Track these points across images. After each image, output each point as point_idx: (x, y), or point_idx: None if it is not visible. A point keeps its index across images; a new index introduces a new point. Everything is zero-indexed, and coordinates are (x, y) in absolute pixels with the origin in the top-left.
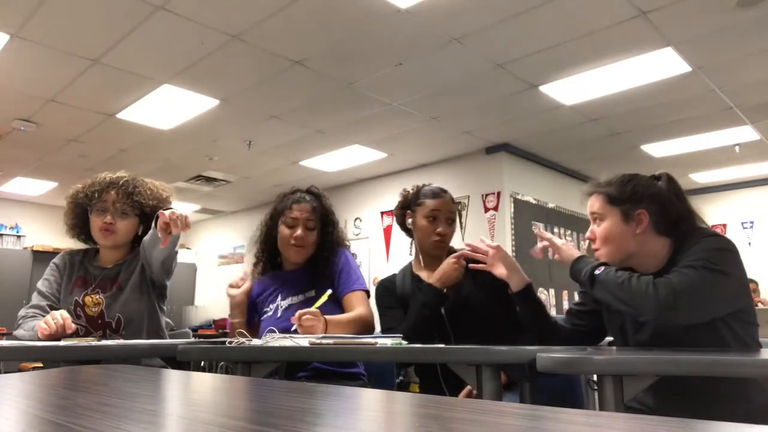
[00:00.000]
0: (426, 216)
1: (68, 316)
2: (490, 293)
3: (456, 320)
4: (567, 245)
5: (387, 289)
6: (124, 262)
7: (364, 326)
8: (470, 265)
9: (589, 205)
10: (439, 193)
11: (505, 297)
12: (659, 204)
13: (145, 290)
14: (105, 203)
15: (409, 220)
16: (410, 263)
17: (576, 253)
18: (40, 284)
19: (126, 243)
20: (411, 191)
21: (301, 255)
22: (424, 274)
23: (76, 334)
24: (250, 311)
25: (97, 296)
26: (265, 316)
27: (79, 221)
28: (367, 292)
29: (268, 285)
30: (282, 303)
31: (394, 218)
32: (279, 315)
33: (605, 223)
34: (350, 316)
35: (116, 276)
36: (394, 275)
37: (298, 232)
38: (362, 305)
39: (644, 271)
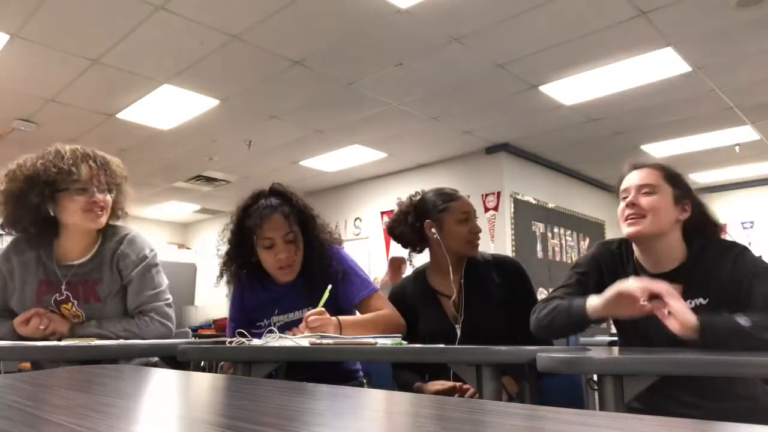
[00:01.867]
0: (458, 220)
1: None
2: (502, 314)
3: (471, 336)
4: (681, 307)
5: (397, 298)
6: (94, 259)
7: (393, 326)
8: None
9: (641, 176)
10: (459, 194)
11: (519, 317)
12: (698, 205)
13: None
14: (85, 180)
15: (433, 230)
16: (423, 271)
17: (692, 315)
18: None
19: None
20: (413, 201)
21: (292, 274)
22: (441, 286)
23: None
24: (246, 321)
25: (74, 308)
26: (258, 331)
27: (30, 207)
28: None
29: (262, 297)
30: (276, 319)
31: (401, 236)
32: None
33: (658, 196)
34: (371, 316)
35: (88, 275)
36: (406, 281)
37: (280, 255)
38: (385, 306)
39: (657, 263)
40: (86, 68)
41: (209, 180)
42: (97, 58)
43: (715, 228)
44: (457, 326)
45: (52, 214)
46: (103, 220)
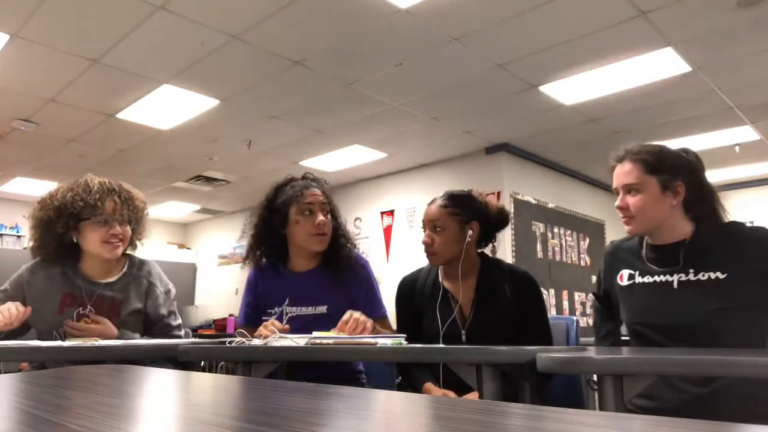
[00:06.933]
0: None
1: (22, 308)
2: (509, 318)
3: (475, 342)
4: None
5: (406, 289)
6: (121, 280)
7: None
8: None
9: (622, 171)
10: (433, 200)
11: (527, 334)
12: (692, 178)
13: (142, 318)
14: (107, 213)
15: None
16: (437, 268)
17: None
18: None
19: None
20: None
21: (325, 243)
22: (447, 284)
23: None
24: (258, 307)
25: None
26: (267, 318)
27: (55, 235)
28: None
29: (276, 284)
30: (289, 309)
31: None
32: (283, 322)
33: (643, 195)
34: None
35: (115, 295)
36: (418, 273)
37: (320, 217)
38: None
39: (660, 240)
40: (86, 68)
41: (209, 180)
42: (97, 58)
43: (712, 200)
44: (462, 331)
45: (75, 241)
46: (119, 251)
